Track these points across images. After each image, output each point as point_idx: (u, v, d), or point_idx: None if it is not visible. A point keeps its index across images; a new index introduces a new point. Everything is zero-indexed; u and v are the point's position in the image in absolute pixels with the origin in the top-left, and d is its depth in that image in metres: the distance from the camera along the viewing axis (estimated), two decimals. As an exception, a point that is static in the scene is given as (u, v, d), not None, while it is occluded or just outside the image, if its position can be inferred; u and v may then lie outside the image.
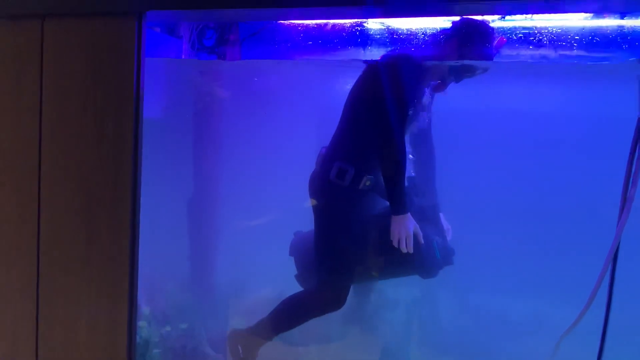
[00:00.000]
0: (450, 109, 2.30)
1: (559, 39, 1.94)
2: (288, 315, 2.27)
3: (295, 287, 2.37)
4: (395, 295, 2.64)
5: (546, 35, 1.95)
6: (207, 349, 2.58)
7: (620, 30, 1.93)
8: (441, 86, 2.18)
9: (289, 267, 2.41)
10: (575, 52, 1.93)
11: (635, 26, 1.90)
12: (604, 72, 2.15)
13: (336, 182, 2.11)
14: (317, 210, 2.20)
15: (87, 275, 1.72)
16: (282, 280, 2.66)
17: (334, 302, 2.18)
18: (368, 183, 2.11)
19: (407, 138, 2.22)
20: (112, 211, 1.70)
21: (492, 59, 2.07)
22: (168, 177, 2.80)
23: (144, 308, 2.56)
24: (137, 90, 1.66)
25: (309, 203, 2.24)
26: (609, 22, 1.95)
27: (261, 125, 2.96)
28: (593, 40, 1.92)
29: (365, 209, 2.19)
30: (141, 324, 2.44)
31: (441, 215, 2.29)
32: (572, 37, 1.93)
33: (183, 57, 2.65)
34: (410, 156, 2.29)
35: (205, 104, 2.86)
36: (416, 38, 2.14)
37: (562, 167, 2.62)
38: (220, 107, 2.91)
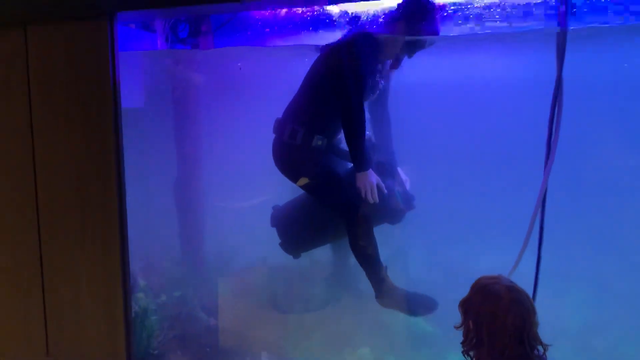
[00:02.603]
0: (403, 83, 2.52)
1: (483, 13, 2.16)
2: (365, 244, 2.34)
3: (279, 254, 2.61)
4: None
5: (471, 10, 2.17)
6: (200, 313, 2.81)
7: (536, 1, 2.15)
8: (396, 63, 2.40)
9: (271, 238, 2.63)
10: (498, 24, 2.15)
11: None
12: (525, 40, 2.38)
13: (289, 142, 2.34)
14: (287, 173, 2.42)
15: (84, 250, 1.99)
16: (264, 249, 2.88)
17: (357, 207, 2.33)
18: (320, 142, 2.34)
19: (366, 105, 2.44)
20: (101, 193, 1.95)
21: (438, 34, 2.28)
22: (154, 162, 3.03)
23: (140, 281, 2.78)
24: (113, 81, 1.89)
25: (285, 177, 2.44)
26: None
27: (236, 108, 3.17)
28: (513, 12, 2.14)
29: (326, 165, 2.41)
30: (139, 295, 2.67)
31: (399, 169, 2.55)
32: (495, 11, 2.15)
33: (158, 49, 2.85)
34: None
35: (182, 90, 3.08)
36: (375, 18, 2.34)
37: (504, 122, 2.88)
38: (197, 92, 3.13)
